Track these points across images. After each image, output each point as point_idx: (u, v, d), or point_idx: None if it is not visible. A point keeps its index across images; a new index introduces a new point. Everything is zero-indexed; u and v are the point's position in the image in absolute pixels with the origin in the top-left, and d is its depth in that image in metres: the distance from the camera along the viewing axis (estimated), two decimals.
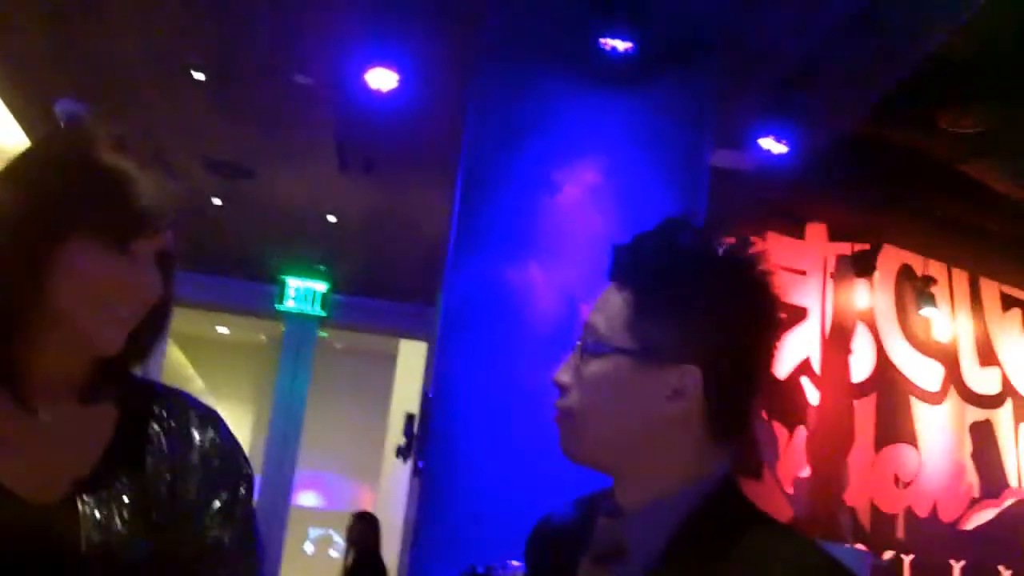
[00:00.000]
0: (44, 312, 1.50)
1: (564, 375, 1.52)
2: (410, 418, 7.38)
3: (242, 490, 1.65)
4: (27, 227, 1.48)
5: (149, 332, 1.60)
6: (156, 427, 1.60)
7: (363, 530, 8.67)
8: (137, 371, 1.66)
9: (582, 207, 4.92)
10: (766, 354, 1.52)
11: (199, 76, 6.60)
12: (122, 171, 1.51)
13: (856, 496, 8.29)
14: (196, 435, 1.62)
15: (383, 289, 11.33)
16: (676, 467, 1.48)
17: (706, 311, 1.47)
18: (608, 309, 1.50)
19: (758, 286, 1.52)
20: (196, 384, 16.61)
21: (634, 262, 1.52)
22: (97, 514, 1.50)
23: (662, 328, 1.47)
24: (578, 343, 1.52)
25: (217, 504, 1.61)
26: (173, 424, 1.62)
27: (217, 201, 8.86)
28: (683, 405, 1.46)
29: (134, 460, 1.57)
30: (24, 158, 1.57)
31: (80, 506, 1.50)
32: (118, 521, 1.51)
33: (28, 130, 7.80)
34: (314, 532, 15.79)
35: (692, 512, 1.47)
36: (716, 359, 1.47)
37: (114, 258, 1.50)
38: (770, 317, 1.53)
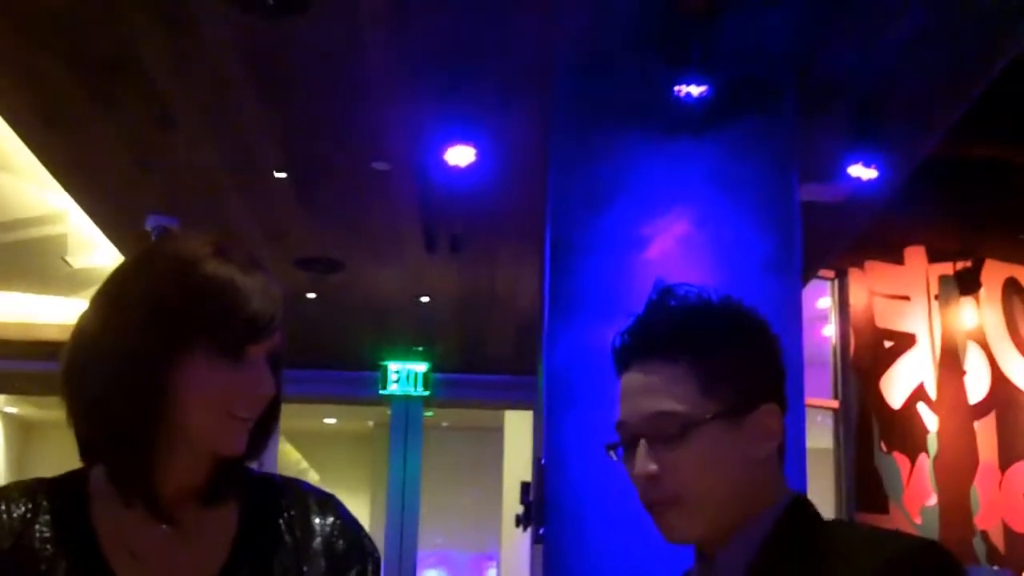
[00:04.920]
0: (167, 426, 1.51)
1: (649, 465, 1.51)
2: (525, 486, 7.37)
3: (370, 570, 1.65)
4: (146, 346, 1.49)
5: (263, 430, 1.61)
6: (277, 519, 1.62)
7: None
8: (254, 466, 1.68)
9: (675, 260, 4.87)
10: None
11: (280, 175, 6.69)
12: (228, 280, 1.52)
13: (987, 518, 8.07)
14: (317, 521, 1.63)
15: (482, 363, 11.37)
16: (761, 501, 1.52)
17: (756, 349, 1.55)
18: (674, 389, 1.50)
19: (760, 316, 1.60)
20: (311, 476, 16.77)
21: (678, 334, 1.53)
22: None
23: (733, 382, 1.50)
24: (650, 432, 1.51)
25: None
26: (294, 513, 1.63)
27: (311, 295, 8.96)
28: (771, 443, 1.52)
29: (259, 554, 1.58)
30: (129, 274, 1.59)
31: None
32: None
33: (121, 247, 7.98)
34: None
35: (769, 532, 1.49)
36: (781, 388, 1.56)
37: (230, 366, 1.51)
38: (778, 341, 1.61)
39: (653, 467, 1.50)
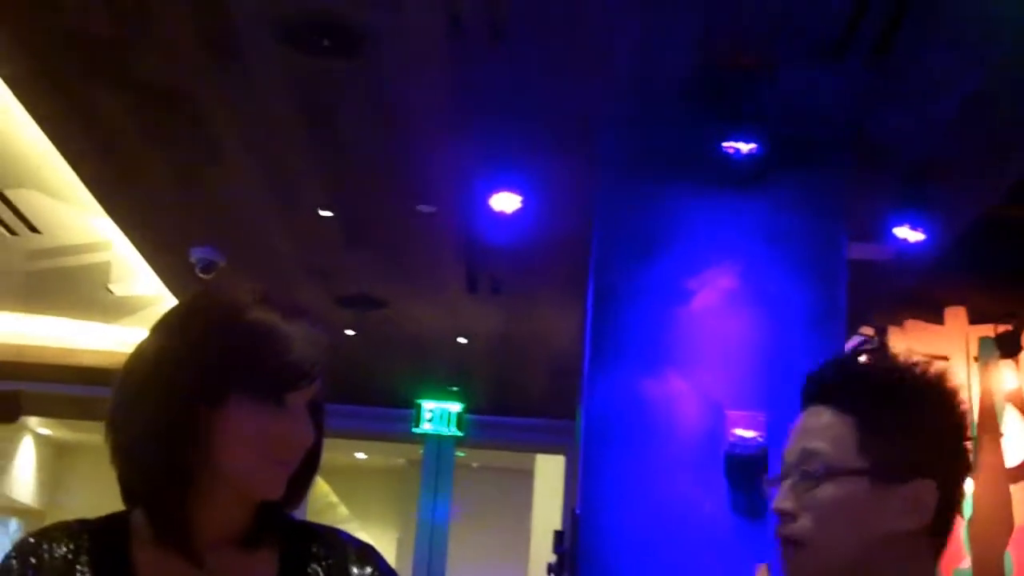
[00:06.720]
0: (208, 468, 1.53)
1: (787, 502, 1.52)
2: (559, 535, 7.34)
3: None
4: (186, 389, 1.52)
5: (302, 477, 1.64)
6: (315, 567, 1.63)
7: None
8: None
9: (719, 313, 4.87)
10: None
11: (326, 214, 6.74)
12: (271, 327, 1.55)
13: None
14: (355, 570, 1.64)
15: (517, 405, 11.38)
16: None
17: (931, 425, 1.53)
18: (830, 433, 1.52)
19: (957, 397, 1.57)
20: (340, 511, 16.75)
21: (853, 388, 1.55)
22: None
23: (893, 446, 1.50)
24: (797, 469, 1.53)
25: None
26: (332, 562, 1.64)
27: (350, 332, 8.99)
28: (919, 519, 1.50)
29: None
30: (176, 319, 1.62)
31: None
32: None
33: (164, 277, 8.05)
34: None
35: None
36: (947, 469, 1.53)
37: (271, 412, 1.54)
38: (968, 425, 1.60)
39: (787, 504, 1.51)
